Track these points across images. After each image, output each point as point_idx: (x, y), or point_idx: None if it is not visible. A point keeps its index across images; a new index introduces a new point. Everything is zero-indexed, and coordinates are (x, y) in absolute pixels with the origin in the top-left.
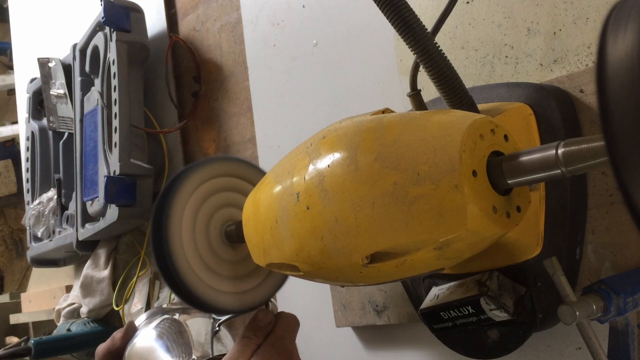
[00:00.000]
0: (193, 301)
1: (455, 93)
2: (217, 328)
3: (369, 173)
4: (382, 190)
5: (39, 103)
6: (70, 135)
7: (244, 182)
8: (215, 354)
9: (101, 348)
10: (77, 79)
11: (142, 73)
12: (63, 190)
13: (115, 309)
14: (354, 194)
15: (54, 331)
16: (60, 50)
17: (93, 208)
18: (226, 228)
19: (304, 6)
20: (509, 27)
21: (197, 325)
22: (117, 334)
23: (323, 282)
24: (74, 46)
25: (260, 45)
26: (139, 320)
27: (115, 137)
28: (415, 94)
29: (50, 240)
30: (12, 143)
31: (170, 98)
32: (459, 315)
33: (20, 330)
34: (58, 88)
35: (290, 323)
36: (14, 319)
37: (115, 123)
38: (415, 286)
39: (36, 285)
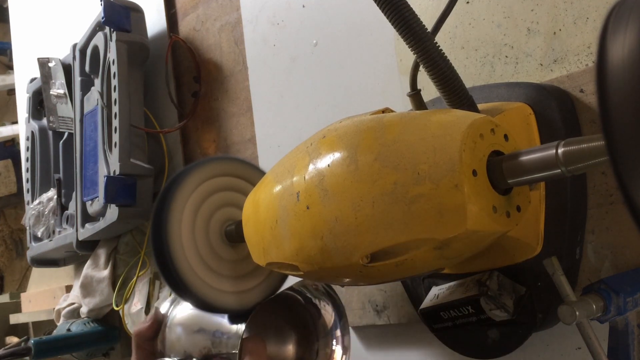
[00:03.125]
0: (193, 300)
1: (455, 93)
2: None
3: (368, 172)
4: (382, 190)
5: (39, 103)
6: (70, 135)
7: (243, 181)
8: None
9: (137, 333)
10: (77, 79)
11: (142, 73)
12: (63, 190)
13: (115, 309)
14: (354, 193)
15: (54, 331)
16: (60, 50)
17: (93, 208)
18: (226, 228)
19: (304, 6)
20: (509, 27)
21: None
22: (143, 323)
23: (323, 281)
24: (74, 46)
25: (260, 45)
26: (164, 307)
27: (115, 137)
28: (415, 94)
29: (50, 240)
30: (12, 143)
31: (170, 98)
32: (459, 315)
33: (20, 330)
34: (58, 88)
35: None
36: (14, 319)
37: (115, 123)
38: (415, 286)
39: (36, 285)
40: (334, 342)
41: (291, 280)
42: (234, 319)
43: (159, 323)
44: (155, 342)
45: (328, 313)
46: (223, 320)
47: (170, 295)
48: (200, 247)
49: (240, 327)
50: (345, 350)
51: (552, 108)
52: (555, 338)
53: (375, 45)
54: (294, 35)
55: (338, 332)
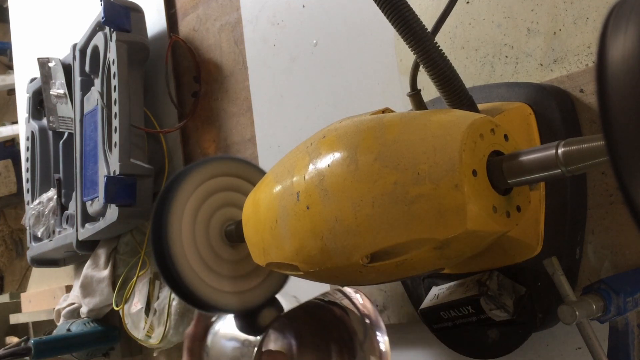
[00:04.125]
0: (193, 301)
1: (455, 93)
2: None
3: (369, 172)
4: (382, 190)
5: (39, 103)
6: (70, 135)
7: (243, 181)
8: None
9: (187, 335)
10: (77, 79)
11: (142, 73)
12: (63, 190)
13: (115, 309)
14: (354, 193)
15: (54, 331)
16: (60, 50)
17: (93, 208)
18: (226, 228)
19: (304, 6)
20: (509, 27)
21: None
22: (190, 327)
23: (323, 281)
24: (74, 46)
25: (260, 45)
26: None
27: (115, 137)
28: (415, 94)
29: (50, 240)
30: (12, 143)
31: (170, 98)
32: (459, 315)
33: (20, 330)
34: (58, 88)
35: None
36: (14, 319)
37: (115, 123)
38: (415, 286)
39: (36, 285)
40: (378, 336)
41: (292, 280)
42: (239, 319)
43: (205, 321)
44: (204, 346)
45: (356, 311)
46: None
47: (171, 294)
48: (200, 247)
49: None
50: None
51: (552, 108)
52: (555, 338)
53: (375, 45)
54: (294, 35)
55: (376, 330)
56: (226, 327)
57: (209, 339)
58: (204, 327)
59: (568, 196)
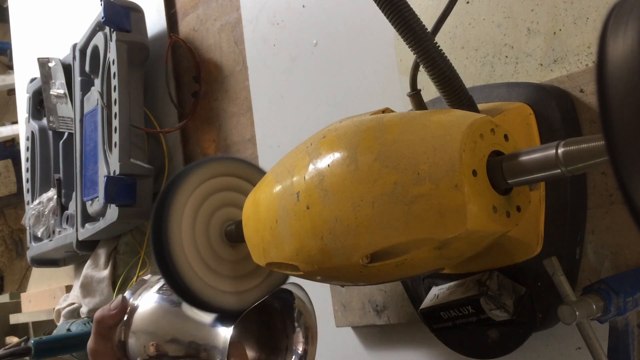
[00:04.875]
0: (193, 300)
1: (455, 93)
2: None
3: (369, 172)
4: (382, 190)
5: (39, 103)
6: (70, 135)
7: (243, 181)
8: None
9: (97, 319)
10: (77, 79)
11: (142, 73)
12: (63, 190)
13: None
14: (354, 193)
15: (54, 331)
16: (60, 50)
17: (93, 208)
18: (226, 228)
19: (304, 6)
20: (509, 27)
21: None
22: (108, 311)
23: (323, 281)
24: (74, 46)
25: (260, 45)
26: (128, 294)
27: (115, 137)
28: (415, 94)
29: (50, 240)
30: (12, 143)
31: (170, 98)
32: (458, 315)
33: (20, 330)
34: (58, 88)
35: None
36: (14, 319)
37: (115, 123)
38: (415, 286)
39: (36, 285)
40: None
41: (291, 280)
42: (225, 320)
43: (125, 314)
44: (115, 331)
45: (300, 336)
46: (199, 333)
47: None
48: (200, 247)
49: (226, 335)
50: None
51: (552, 108)
52: (555, 338)
53: (375, 45)
54: (294, 35)
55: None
56: (152, 324)
57: (129, 335)
58: (121, 319)
59: (568, 196)
